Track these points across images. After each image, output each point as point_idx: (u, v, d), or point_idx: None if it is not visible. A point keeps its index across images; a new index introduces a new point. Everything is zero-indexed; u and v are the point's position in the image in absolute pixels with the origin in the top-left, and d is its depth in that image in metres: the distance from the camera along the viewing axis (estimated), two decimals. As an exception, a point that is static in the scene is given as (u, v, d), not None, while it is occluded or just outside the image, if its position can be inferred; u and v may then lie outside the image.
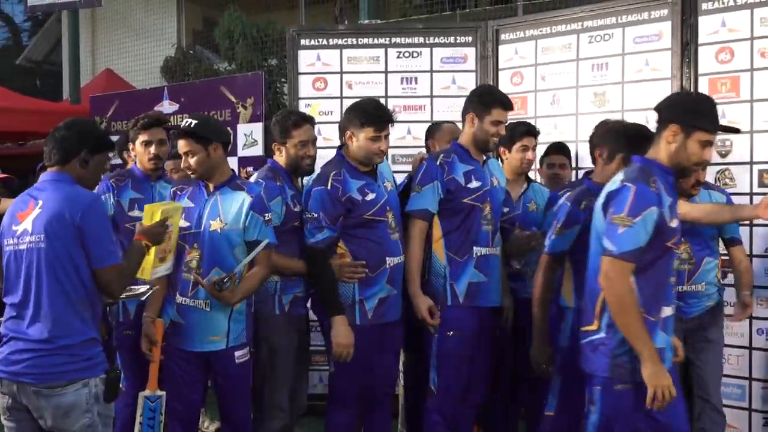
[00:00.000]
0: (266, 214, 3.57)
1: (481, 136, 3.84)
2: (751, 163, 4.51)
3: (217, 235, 3.52)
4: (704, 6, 4.69)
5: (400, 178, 4.26)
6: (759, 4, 4.52)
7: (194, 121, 3.55)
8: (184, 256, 3.56)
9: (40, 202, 2.97)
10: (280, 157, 3.90)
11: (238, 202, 3.53)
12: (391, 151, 5.39)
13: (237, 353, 3.54)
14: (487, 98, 3.87)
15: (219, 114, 6.38)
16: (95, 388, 2.96)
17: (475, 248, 3.83)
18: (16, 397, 2.95)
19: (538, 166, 4.79)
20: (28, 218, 2.96)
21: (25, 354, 2.91)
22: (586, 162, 4.50)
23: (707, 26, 4.67)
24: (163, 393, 3.50)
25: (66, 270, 2.91)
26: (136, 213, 3.92)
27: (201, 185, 3.64)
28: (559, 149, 4.66)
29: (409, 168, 4.48)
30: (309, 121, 3.95)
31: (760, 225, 4.35)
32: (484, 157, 3.98)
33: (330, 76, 5.57)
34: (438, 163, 3.82)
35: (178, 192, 3.68)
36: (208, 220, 3.54)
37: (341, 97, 5.46)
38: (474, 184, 3.83)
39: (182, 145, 3.54)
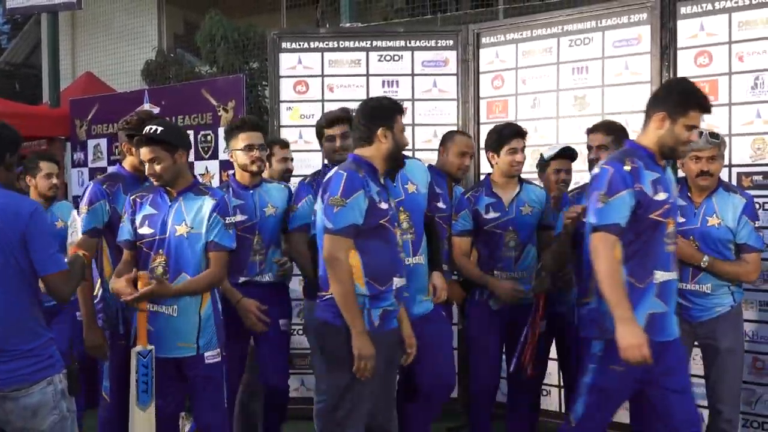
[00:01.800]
0: (227, 218, 3.56)
1: (670, 142, 3.28)
2: (730, 165, 4.54)
3: (183, 240, 3.51)
4: (683, 10, 4.73)
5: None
6: (737, 8, 4.57)
7: (160, 128, 3.49)
8: (149, 263, 3.54)
9: None
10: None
11: (202, 206, 3.53)
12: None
13: (207, 353, 3.53)
14: (686, 98, 3.26)
15: (200, 117, 6.37)
16: (60, 384, 3.03)
17: (656, 273, 3.26)
18: None
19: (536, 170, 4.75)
20: None
21: None
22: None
23: (686, 30, 4.72)
24: (152, 347, 3.47)
25: (14, 278, 2.95)
26: None
27: (161, 191, 3.59)
28: (568, 155, 4.52)
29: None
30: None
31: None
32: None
33: (311, 79, 5.58)
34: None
35: (138, 200, 3.62)
36: (173, 225, 3.52)
37: (323, 100, 5.48)
38: (661, 195, 3.27)
39: (146, 152, 3.49)
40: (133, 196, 3.65)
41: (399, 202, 3.72)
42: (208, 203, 3.53)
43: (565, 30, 5.16)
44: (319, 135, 4.13)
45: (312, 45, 5.60)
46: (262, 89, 8.23)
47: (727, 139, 4.53)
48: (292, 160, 4.95)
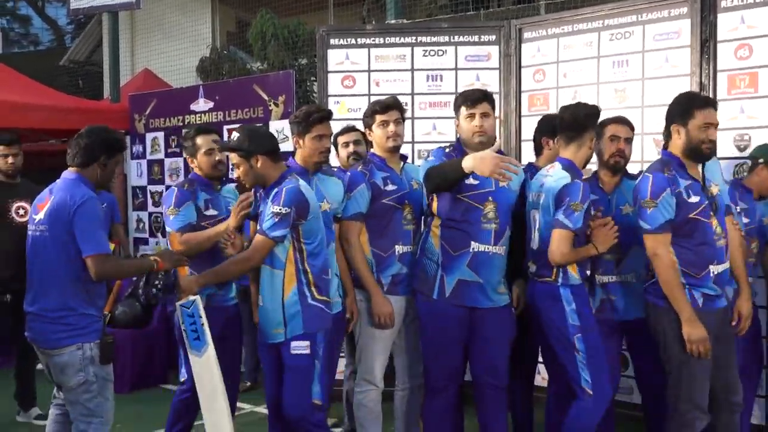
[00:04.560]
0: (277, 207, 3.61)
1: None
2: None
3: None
4: (723, 3, 4.76)
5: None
6: (777, 1, 4.61)
7: (236, 136, 3.71)
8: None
9: (53, 196, 3.55)
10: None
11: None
12: (417, 146, 5.59)
13: (293, 344, 3.63)
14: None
15: (252, 111, 6.61)
16: (90, 351, 3.51)
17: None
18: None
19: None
20: (44, 209, 3.56)
21: (33, 323, 3.58)
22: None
23: (726, 23, 4.75)
24: (197, 297, 3.67)
25: (60, 254, 3.48)
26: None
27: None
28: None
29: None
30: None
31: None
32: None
33: (358, 74, 5.73)
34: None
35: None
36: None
37: (369, 95, 5.61)
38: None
39: (231, 157, 3.77)
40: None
41: (489, 192, 3.83)
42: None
43: (605, 24, 5.22)
44: (369, 124, 4.13)
45: (359, 41, 5.75)
46: (311, 84, 8.42)
47: (766, 130, 4.59)
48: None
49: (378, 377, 4.08)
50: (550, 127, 4.17)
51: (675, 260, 3.57)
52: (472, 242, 3.80)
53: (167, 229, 4.22)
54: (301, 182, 3.66)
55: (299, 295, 3.61)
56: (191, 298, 3.66)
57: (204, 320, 3.64)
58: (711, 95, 4.69)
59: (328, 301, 3.72)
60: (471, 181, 3.76)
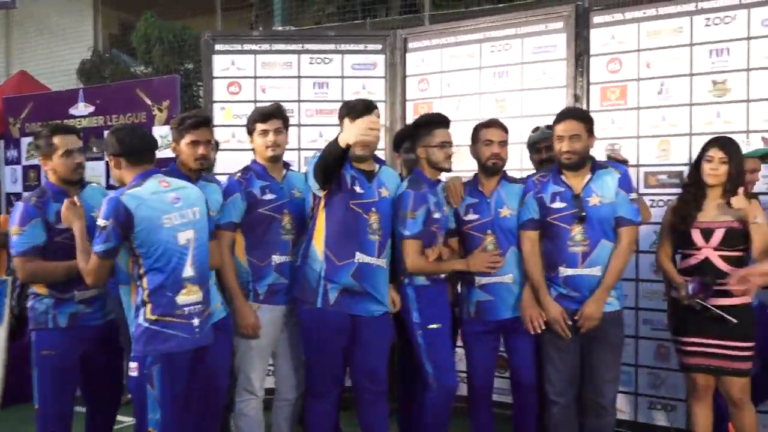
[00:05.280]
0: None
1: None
2: (638, 165, 4.83)
3: None
4: (596, 20, 5.02)
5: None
6: (644, 19, 4.87)
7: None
8: None
9: None
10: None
11: None
12: (303, 153, 5.60)
13: (129, 364, 3.43)
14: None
15: (135, 116, 6.45)
16: None
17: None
18: None
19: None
20: None
21: None
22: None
23: (599, 39, 5.00)
24: (8, 278, 3.60)
25: None
26: None
27: None
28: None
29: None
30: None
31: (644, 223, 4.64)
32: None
33: (244, 81, 5.70)
34: None
35: None
36: None
37: (255, 101, 5.58)
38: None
39: None
40: None
41: (373, 203, 3.88)
42: None
43: (486, 36, 5.39)
44: (251, 131, 4.09)
45: (245, 47, 5.72)
46: (197, 89, 8.31)
47: (635, 141, 4.86)
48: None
49: (257, 386, 4.05)
50: (398, 141, 4.42)
51: (536, 252, 3.94)
52: (357, 253, 3.83)
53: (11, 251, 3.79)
54: (136, 191, 3.35)
55: (135, 312, 3.39)
56: (3, 278, 3.55)
57: (7, 301, 3.57)
58: (585, 107, 4.93)
59: (171, 320, 3.35)
60: (358, 189, 3.80)
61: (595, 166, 3.94)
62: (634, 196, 3.92)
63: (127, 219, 3.27)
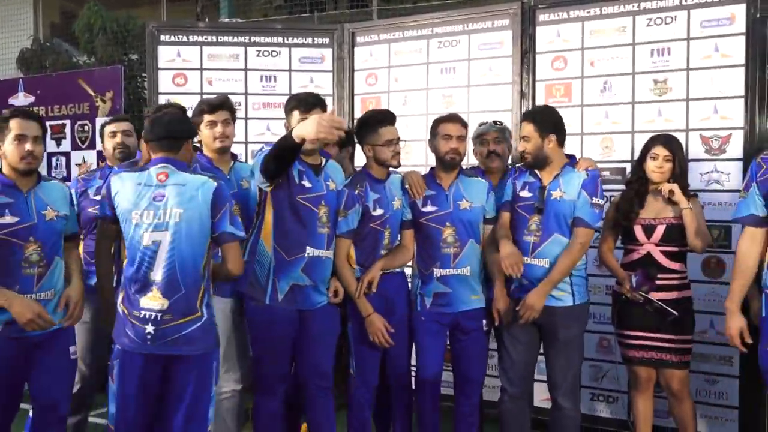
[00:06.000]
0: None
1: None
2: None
3: None
4: (541, 17, 5.08)
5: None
6: (588, 18, 4.95)
7: None
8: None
9: None
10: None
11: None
12: (250, 147, 5.56)
13: None
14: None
15: (77, 107, 6.33)
16: None
17: None
18: None
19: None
20: None
21: None
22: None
23: (544, 36, 5.07)
24: None
25: None
26: None
27: None
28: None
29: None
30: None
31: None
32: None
33: (190, 73, 5.65)
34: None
35: None
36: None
37: (201, 93, 5.53)
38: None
39: None
40: None
41: (321, 196, 3.82)
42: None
43: (434, 32, 5.43)
44: (198, 123, 3.98)
45: (191, 39, 5.66)
46: (142, 81, 8.18)
47: (579, 138, 4.94)
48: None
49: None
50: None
51: (506, 225, 4.04)
52: (308, 247, 3.80)
53: None
54: (127, 175, 3.41)
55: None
56: None
57: None
58: (531, 103, 4.99)
59: (129, 319, 3.27)
60: (306, 183, 3.77)
61: (571, 164, 3.97)
62: (598, 200, 3.88)
63: (109, 197, 3.38)
